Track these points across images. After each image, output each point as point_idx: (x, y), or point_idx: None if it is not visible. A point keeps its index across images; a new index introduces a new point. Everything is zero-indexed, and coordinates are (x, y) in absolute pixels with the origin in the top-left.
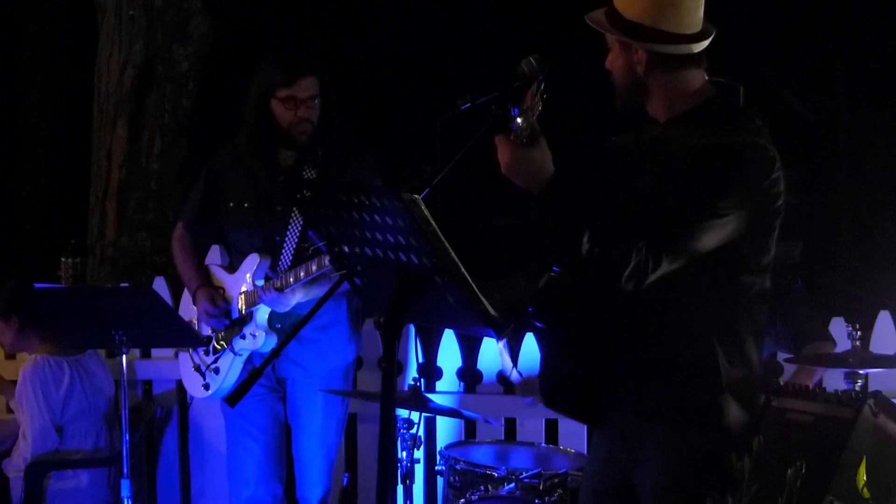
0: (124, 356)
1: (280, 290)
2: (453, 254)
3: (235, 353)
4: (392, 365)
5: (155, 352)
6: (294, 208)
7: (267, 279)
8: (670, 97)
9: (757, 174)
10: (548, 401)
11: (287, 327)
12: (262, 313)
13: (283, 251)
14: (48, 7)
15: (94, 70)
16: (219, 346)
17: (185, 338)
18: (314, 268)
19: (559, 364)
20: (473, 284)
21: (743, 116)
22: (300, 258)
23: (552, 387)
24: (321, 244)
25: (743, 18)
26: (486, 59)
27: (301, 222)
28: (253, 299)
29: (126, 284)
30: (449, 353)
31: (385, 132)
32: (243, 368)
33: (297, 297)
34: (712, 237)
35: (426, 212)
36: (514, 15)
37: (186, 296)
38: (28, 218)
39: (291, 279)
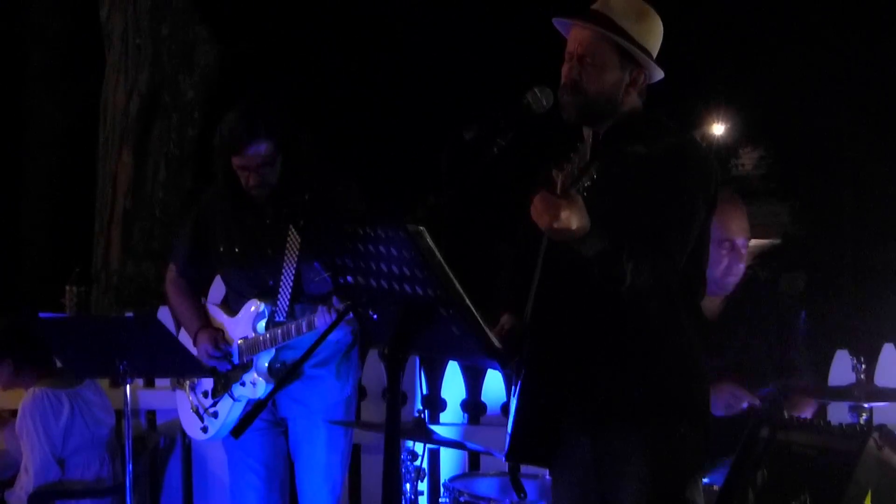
0: (128, 386)
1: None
2: (458, 285)
3: (234, 399)
4: (396, 396)
5: (158, 381)
6: (287, 251)
7: (271, 325)
8: (620, 114)
9: (707, 164)
10: (511, 454)
11: (289, 366)
12: (263, 361)
13: (280, 295)
14: (54, 35)
15: (99, 98)
16: (218, 391)
17: (190, 368)
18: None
19: (527, 410)
20: (478, 316)
21: (671, 124)
22: (296, 300)
23: (518, 438)
24: (326, 275)
25: (746, 51)
26: (493, 89)
27: (296, 265)
28: (254, 346)
29: (130, 314)
30: (453, 384)
31: (391, 162)
32: (241, 413)
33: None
34: (693, 230)
35: (431, 243)
36: (520, 44)
37: (183, 333)
38: (33, 245)
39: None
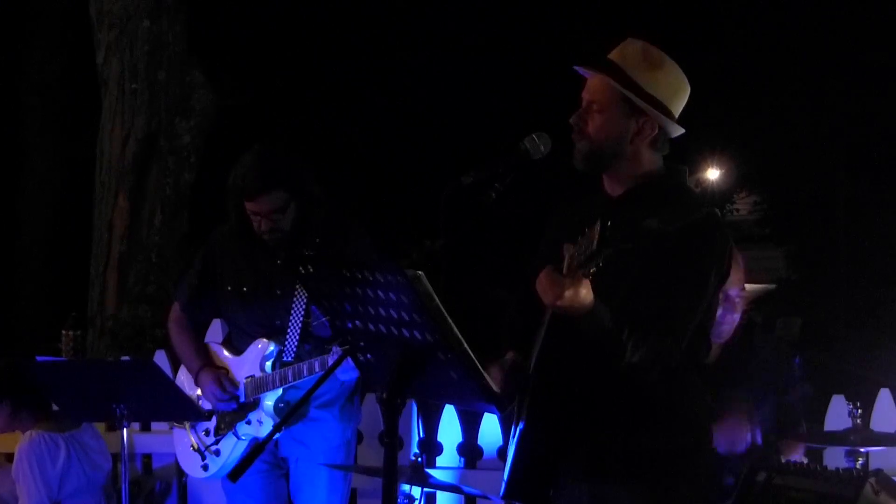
0: (125, 430)
1: None
2: (456, 329)
3: (238, 438)
4: (394, 440)
5: (154, 425)
6: (297, 292)
7: (278, 365)
8: (636, 172)
9: (723, 241)
10: (508, 494)
11: (292, 406)
12: (270, 400)
13: (289, 335)
14: (50, 80)
15: (96, 143)
16: (221, 429)
17: (187, 411)
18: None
19: (526, 454)
20: (476, 360)
21: (693, 192)
22: (305, 341)
23: (516, 477)
24: (324, 319)
25: (742, 97)
26: (491, 134)
27: (304, 305)
28: (261, 385)
29: (127, 358)
30: (449, 428)
31: (390, 207)
32: (245, 452)
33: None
34: (701, 309)
35: (429, 287)
36: (518, 90)
37: (182, 372)
38: (29, 290)
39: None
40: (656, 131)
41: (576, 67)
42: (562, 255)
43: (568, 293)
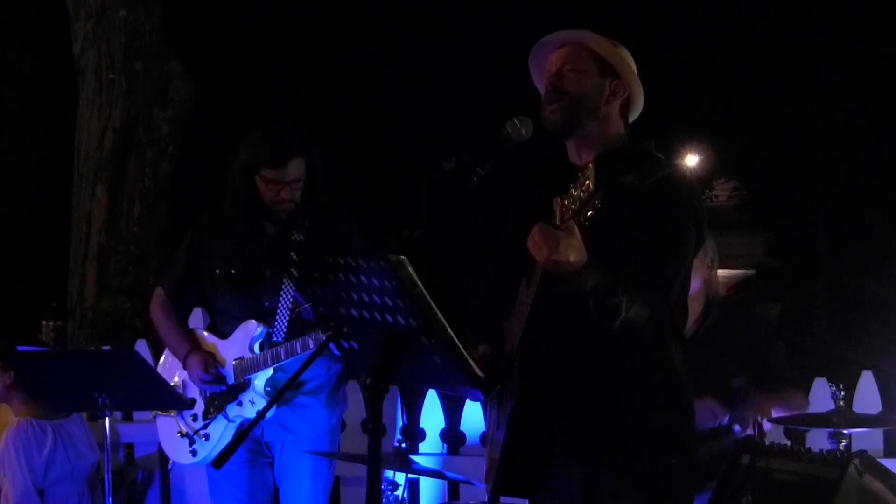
0: (107, 419)
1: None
2: (440, 314)
3: (229, 420)
4: (378, 426)
5: (137, 415)
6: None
7: (268, 345)
8: (605, 138)
9: (694, 190)
10: (499, 487)
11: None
12: (261, 380)
13: (278, 317)
14: (27, 71)
15: (73, 134)
16: (210, 413)
17: (169, 400)
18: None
19: (517, 439)
20: (460, 345)
21: (660, 157)
22: (294, 323)
23: (506, 470)
24: (307, 305)
25: (721, 83)
26: (473, 120)
27: (293, 287)
28: (251, 365)
29: (108, 347)
30: (432, 414)
31: (371, 194)
32: (235, 435)
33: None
34: (687, 258)
35: (413, 273)
36: (500, 77)
37: (165, 359)
38: (8, 281)
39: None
40: (626, 94)
41: (532, 57)
42: (553, 212)
43: (563, 246)
